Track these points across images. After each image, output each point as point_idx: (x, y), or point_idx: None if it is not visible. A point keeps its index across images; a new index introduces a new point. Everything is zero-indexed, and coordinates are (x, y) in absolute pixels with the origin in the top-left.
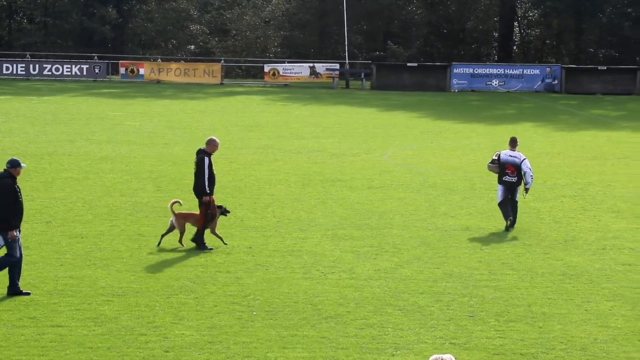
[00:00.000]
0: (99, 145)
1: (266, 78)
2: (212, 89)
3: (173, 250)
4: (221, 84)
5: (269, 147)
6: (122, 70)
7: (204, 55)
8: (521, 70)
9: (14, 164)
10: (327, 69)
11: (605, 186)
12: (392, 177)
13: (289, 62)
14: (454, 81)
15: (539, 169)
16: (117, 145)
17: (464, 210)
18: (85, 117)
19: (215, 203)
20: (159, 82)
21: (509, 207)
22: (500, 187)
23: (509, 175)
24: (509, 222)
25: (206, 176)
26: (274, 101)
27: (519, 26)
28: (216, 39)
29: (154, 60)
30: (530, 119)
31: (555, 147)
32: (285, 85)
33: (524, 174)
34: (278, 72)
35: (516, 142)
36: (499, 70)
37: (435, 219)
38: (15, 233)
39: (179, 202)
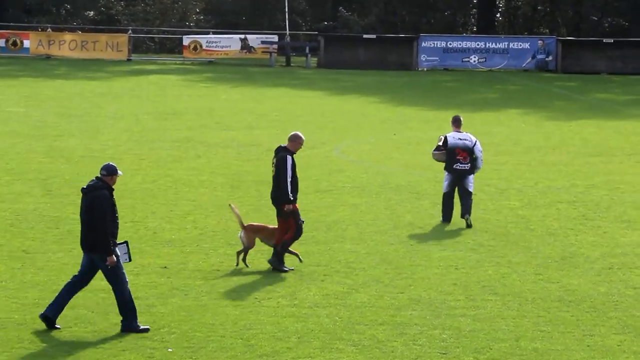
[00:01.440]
0: None
1: (185, 53)
2: (116, 66)
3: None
4: (128, 60)
5: (190, 140)
6: (1, 42)
7: (107, 23)
8: (506, 43)
9: (111, 171)
10: (262, 42)
11: (611, 189)
12: (344, 177)
13: (214, 34)
14: (422, 57)
15: (529, 168)
16: None
17: (435, 219)
18: None
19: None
20: (48, 57)
21: (452, 206)
22: (448, 177)
23: (461, 162)
24: (445, 223)
25: (289, 180)
26: (196, 82)
27: None
28: (122, 3)
29: (42, 30)
30: (518, 105)
31: (549, 140)
32: (210, 62)
33: (475, 158)
34: (200, 46)
35: (461, 121)
36: (478, 44)
37: (399, 230)
38: (114, 258)
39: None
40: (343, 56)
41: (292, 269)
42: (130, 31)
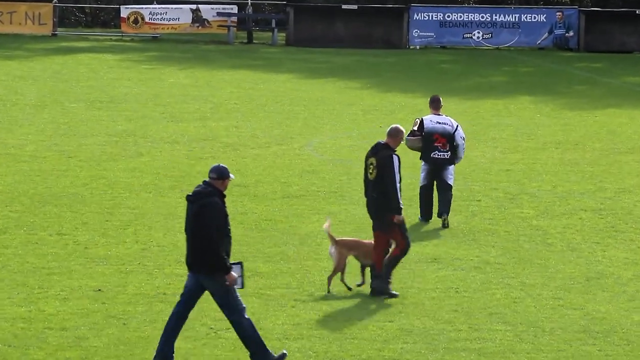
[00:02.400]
0: None
1: (124, 27)
2: (39, 43)
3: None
4: (53, 35)
5: (129, 134)
6: None
7: None
8: (517, 16)
9: (222, 174)
10: (218, 14)
11: None
12: (319, 180)
13: (159, 3)
14: (414, 33)
15: (545, 168)
16: None
17: (431, 231)
18: None
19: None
20: None
21: (431, 201)
22: (424, 167)
23: (439, 150)
24: (424, 221)
25: (398, 185)
26: (137, 63)
27: None
28: None
29: None
30: (531, 91)
31: (569, 134)
32: (155, 38)
33: (457, 146)
34: (142, 19)
35: (440, 102)
36: (482, 17)
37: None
38: (235, 275)
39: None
40: (317, 31)
41: (397, 295)
42: (55, 0)
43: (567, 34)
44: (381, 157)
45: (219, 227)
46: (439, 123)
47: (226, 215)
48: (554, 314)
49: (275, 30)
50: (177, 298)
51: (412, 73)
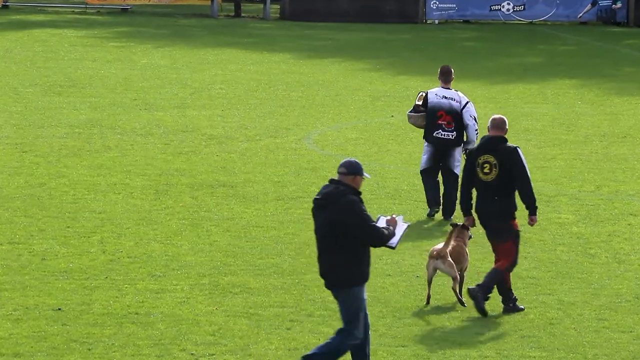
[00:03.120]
0: None
1: None
2: None
3: None
4: (4, 7)
5: (95, 125)
6: None
7: None
8: None
9: (355, 169)
10: None
11: None
12: (319, 179)
13: None
14: (432, 4)
15: (588, 165)
16: None
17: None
18: None
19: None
20: None
21: (436, 185)
22: (427, 149)
23: (444, 129)
24: (434, 211)
25: (531, 183)
26: (104, 40)
27: None
28: None
29: None
30: (571, 74)
31: (616, 124)
32: (125, 10)
33: (467, 127)
34: None
35: (451, 73)
36: None
37: (399, 255)
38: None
39: None
40: (317, 3)
41: (523, 308)
42: None
43: (614, 6)
44: (506, 151)
45: (374, 230)
46: (445, 98)
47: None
48: (598, 337)
49: (268, 1)
50: (151, 318)
51: (429, 52)
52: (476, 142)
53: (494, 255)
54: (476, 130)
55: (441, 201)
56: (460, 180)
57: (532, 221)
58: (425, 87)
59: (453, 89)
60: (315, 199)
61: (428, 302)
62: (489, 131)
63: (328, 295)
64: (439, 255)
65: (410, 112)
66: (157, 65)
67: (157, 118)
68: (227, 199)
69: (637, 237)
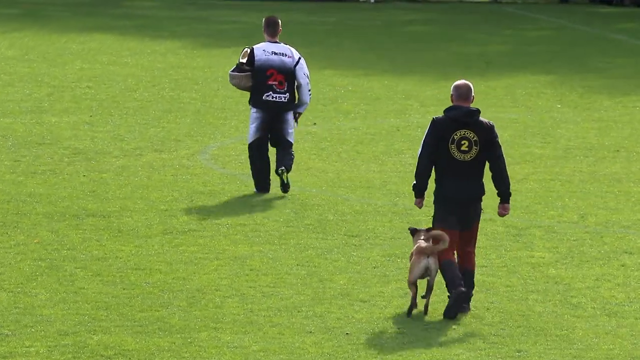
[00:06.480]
0: None
1: None
2: None
3: None
4: None
5: None
6: None
7: None
8: None
9: None
10: None
11: None
12: (219, 207)
13: None
14: None
15: (569, 188)
16: None
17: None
18: None
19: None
20: None
21: (268, 165)
22: (255, 115)
23: (275, 90)
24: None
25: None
26: None
27: None
28: None
29: None
30: (547, 68)
31: (606, 134)
32: None
33: (299, 87)
34: None
35: (279, 25)
36: None
37: (324, 306)
38: None
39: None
40: None
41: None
42: None
43: None
44: (482, 127)
45: None
46: (275, 54)
47: None
48: None
49: None
50: None
51: (363, 40)
52: (309, 104)
53: (456, 248)
54: (309, 90)
55: (270, 182)
56: (418, 153)
57: (505, 210)
58: (356, 84)
59: (282, 43)
60: None
61: (410, 314)
62: (452, 101)
63: (228, 358)
64: (432, 254)
65: (233, 71)
66: (4, 57)
67: (4, 126)
68: (97, 233)
69: (633, 282)
